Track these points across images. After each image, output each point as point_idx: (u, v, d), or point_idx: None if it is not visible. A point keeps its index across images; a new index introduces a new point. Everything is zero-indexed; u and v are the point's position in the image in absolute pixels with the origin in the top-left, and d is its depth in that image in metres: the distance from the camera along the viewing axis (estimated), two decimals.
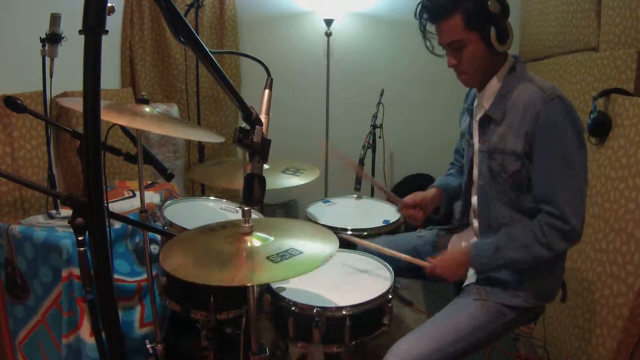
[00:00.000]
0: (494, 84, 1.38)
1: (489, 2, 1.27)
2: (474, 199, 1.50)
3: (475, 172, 1.48)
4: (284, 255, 1.05)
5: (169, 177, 1.60)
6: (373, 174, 3.01)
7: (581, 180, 1.28)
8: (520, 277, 1.37)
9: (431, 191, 1.69)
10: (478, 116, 1.44)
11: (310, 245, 1.14)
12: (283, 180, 1.66)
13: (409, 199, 1.65)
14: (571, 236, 1.28)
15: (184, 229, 1.57)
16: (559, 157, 1.26)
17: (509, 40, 1.32)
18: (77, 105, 1.42)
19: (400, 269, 1.54)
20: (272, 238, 1.15)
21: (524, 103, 1.30)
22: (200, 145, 3.03)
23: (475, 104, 1.49)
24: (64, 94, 2.34)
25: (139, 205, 1.58)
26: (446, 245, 1.65)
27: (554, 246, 1.28)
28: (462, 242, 1.60)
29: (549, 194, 1.28)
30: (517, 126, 1.30)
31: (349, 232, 1.84)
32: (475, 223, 1.54)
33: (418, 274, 1.68)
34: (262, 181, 0.95)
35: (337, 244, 1.15)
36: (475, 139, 1.47)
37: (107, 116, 1.19)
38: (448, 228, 1.70)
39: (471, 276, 1.46)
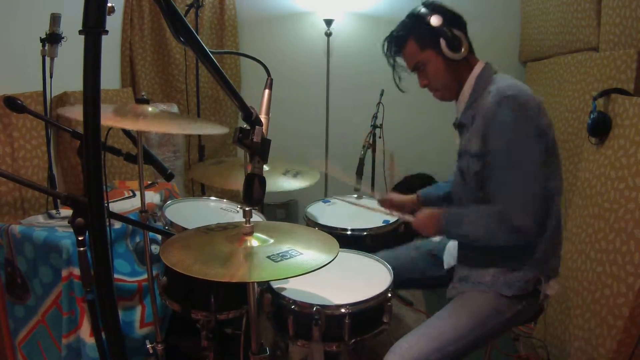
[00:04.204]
0: (465, 93, 1.44)
1: (430, 18, 1.36)
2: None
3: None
4: (285, 255, 1.06)
5: (169, 177, 1.60)
6: (373, 174, 3.01)
7: (529, 179, 1.28)
8: (483, 269, 1.41)
9: (411, 196, 1.80)
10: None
11: (310, 247, 1.14)
12: (282, 183, 1.66)
13: (390, 197, 1.81)
14: (518, 233, 1.27)
15: (185, 229, 1.57)
16: (503, 158, 1.29)
17: (462, 46, 1.38)
18: (77, 114, 1.41)
19: (401, 281, 1.55)
20: (272, 240, 1.15)
21: (485, 106, 1.33)
22: (200, 145, 3.03)
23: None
24: (64, 94, 2.34)
25: (139, 205, 1.58)
26: (443, 250, 1.66)
27: (499, 237, 1.30)
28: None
29: (494, 193, 1.31)
30: (478, 128, 1.34)
31: (349, 232, 1.85)
32: None
33: (418, 284, 1.73)
34: (262, 181, 0.95)
35: (338, 246, 1.15)
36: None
37: (108, 120, 1.20)
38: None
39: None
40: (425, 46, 1.40)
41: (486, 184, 1.35)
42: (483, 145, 1.32)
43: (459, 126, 1.46)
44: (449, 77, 1.42)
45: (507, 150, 1.28)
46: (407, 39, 1.42)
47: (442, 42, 1.37)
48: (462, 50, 1.38)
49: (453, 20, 1.39)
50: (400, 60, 1.51)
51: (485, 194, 1.37)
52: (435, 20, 1.36)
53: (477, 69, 1.41)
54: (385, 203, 1.81)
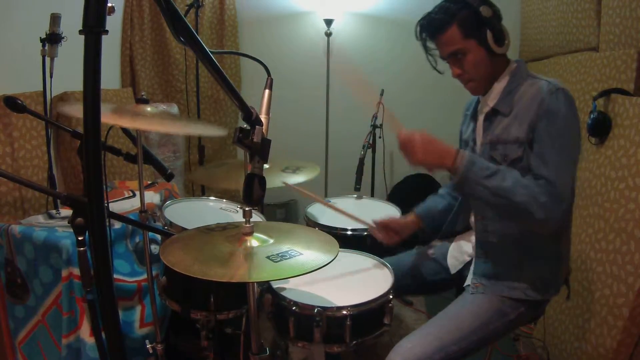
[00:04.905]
0: (500, 84, 1.42)
1: (481, 8, 1.33)
2: None
3: None
4: (284, 256, 1.05)
5: (168, 177, 1.60)
6: (373, 174, 3.01)
7: (572, 164, 1.31)
8: (517, 269, 1.38)
9: (408, 217, 1.70)
10: (483, 114, 1.46)
11: (310, 247, 1.14)
12: (283, 179, 1.66)
13: (380, 222, 1.66)
14: (557, 199, 1.24)
15: (184, 229, 1.57)
16: (558, 141, 1.28)
17: (506, 41, 1.37)
18: (76, 111, 1.41)
19: (402, 287, 1.54)
20: (271, 240, 1.15)
21: (531, 95, 1.33)
22: (200, 145, 3.03)
23: (479, 108, 1.50)
24: (64, 94, 2.34)
25: (139, 205, 1.58)
26: (445, 255, 1.65)
27: (539, 198, 1.23)
28: (462, 247, 1.61)
29: (544, 169, 1.27)
30: (522, 116, 1.34)
31: (349, 232, 1.84)
32: (472, 218, 1.55)
33: (420, 290, 1.72)
34: (262, 181, 0.95)
35: (338, 246, 1.15)
36: (479, 135, 1.48)
37: (107, 118, 1.19)
38: (446, 234, 1.69)
39: (469, 278, 1.47)
40: (469, 35, 1.35)
41: (524, 172, 1.32)
42: (530, 132, 1.31)
43: (492, 114, 1.42)
44: (488, 70, 1.40)
45: (557, 135, 1.28)
46: (451, 24, 1.35)
47: (489, 34, 1.34)
48: (506, 44, 1.37)
49: (497, 13, 1.37)
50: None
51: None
52: (486, 11, 1.33)
53: (514, 64, 1.42)
54: (381, 231, 1.66)
